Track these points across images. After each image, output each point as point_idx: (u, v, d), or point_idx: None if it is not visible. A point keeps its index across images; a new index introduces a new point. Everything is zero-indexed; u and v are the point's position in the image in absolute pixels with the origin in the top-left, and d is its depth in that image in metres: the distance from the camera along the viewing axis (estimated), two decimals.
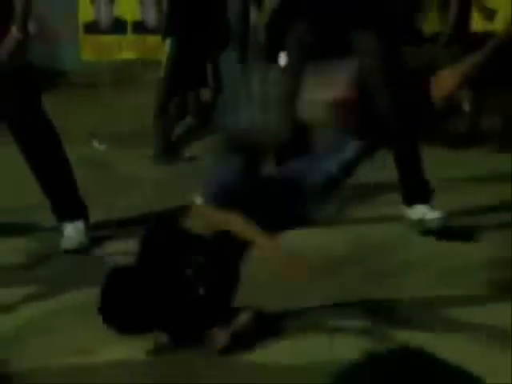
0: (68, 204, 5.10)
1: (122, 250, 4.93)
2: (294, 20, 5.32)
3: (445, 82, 3.62)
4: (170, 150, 6.46)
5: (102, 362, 3.86)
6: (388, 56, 5.14)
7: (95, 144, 6.32)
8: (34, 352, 3.83)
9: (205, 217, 4.22)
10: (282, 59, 5.23)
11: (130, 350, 3.90)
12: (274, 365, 3.83)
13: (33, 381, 3.54)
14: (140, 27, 7.21)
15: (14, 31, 4.83)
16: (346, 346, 3.81)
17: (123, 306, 3.84)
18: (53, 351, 3.89)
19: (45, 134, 5.02)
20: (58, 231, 5.07)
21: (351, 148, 4.42)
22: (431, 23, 6.85)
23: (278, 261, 3.89)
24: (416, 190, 5.27)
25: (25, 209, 5.44)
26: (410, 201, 5.29)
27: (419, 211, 5.28)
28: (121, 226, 5.35)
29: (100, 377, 3.77)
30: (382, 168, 5.38)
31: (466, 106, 6.37)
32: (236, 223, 4.13)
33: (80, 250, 4.99)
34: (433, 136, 6.50)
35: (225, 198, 4.31)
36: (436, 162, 6.15)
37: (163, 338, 3.95)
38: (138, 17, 7.21)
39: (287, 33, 5.33)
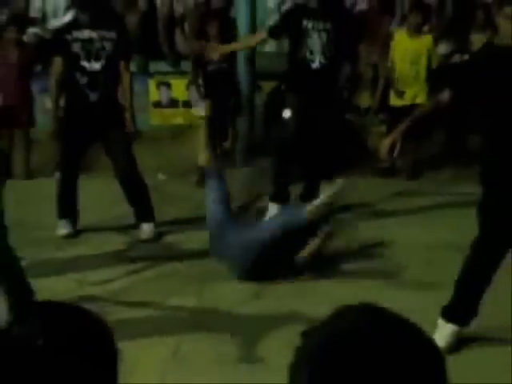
0: (144, 211, 5.07)
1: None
2: (288, 93, 5.45)
3: (388, 144, 3.37)
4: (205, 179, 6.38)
5: (166, 308, 4.00)
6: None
7: (159, 176, 6.26)
8: (128, 304, 3.99)
9: None
10: (286, 113, 5.31)
11: (181, 301, 4.04)
12: None
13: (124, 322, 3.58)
14: (187, 104, 7.16)
15: (127, 106, 4.91)
16: None
17: None
18: (139, 302, 4.03)
19: (133, 167, 4.98)
20: (138, 228, 5.06)
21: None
22: (364, 99, 6.91)
23: None
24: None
25: (118, 215, 5.30)
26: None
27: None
28: (173, 225, 5.28)
29: (164, 318, 3.89)
30: None
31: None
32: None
33: (150, 240, 5.01)
34: (366, 169, 6.45)
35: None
36: (366, 185, 6.11)
37: None
38: (185, 97, 7.18)
39: (286, 100, 5.41)
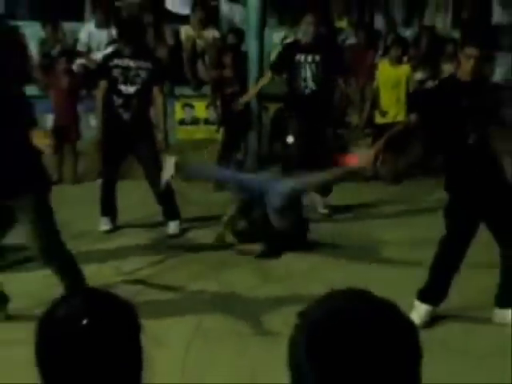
0: (171, 211, 5.02)
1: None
2: (289, 115, 5.48)
3: (366, 156, 3.44)
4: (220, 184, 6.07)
5: (189, 291, 3.98)
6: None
7: (183, 181, 5.95)
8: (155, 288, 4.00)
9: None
10: (290, 138, 5.36)
11: (202, 286, 4.01)
12: None
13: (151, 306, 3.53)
14: (207, 121, 7.20)
15: (161, 127, 4.89)
16: None
17: None
18: (166, 285, 4.02)
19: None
20: (166, 225, 5.01)
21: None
22: (354, 118, 6.87)
23: None
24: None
25: (149, 214, 5.25)
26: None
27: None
28: (194, 222, 5.22)
29: (187, 299, 3.87)
30: None
31: None
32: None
33: (176, 235, 4.97)
34: (354, 176, 6.13)
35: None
36: (354, 190, 6.09)
37: None
38: (206, 116, 7.21)
39: (289, 123, 5.39)
